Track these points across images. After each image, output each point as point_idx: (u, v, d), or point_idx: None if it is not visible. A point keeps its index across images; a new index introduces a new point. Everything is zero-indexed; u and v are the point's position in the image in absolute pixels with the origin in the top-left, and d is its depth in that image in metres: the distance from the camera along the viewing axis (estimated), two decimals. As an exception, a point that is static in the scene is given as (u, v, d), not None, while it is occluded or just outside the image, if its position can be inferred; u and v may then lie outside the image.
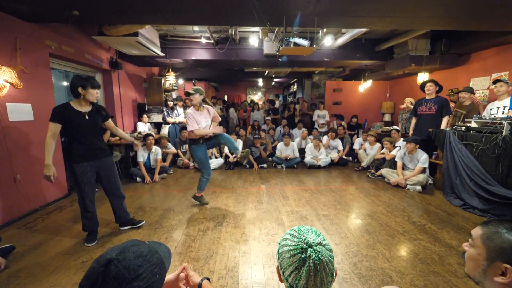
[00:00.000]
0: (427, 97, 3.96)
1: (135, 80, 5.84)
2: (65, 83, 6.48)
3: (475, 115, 3.29)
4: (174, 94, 7.40)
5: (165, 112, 5.48)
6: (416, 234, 2.46)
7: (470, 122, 3.25)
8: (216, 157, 5.31)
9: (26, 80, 2.94)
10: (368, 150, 5.13)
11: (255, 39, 4.71)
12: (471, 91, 3.75)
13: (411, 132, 4.21)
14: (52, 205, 3.23)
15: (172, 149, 5.01)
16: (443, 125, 3.73)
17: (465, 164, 3.13)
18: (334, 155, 5.33)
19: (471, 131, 3.19)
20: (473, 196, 3.03)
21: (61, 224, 2.72)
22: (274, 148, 5.65)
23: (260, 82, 10.42)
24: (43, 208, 3.12)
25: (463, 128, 3.28)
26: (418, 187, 3.67)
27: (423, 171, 3.74)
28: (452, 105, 4.15)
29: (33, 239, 2.41)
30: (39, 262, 2.07)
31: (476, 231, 0.85)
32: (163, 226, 2.64)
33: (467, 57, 4.65)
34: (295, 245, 0.79)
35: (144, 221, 2.67)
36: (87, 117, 2.15)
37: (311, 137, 5.77)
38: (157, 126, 6.00)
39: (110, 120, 2.40)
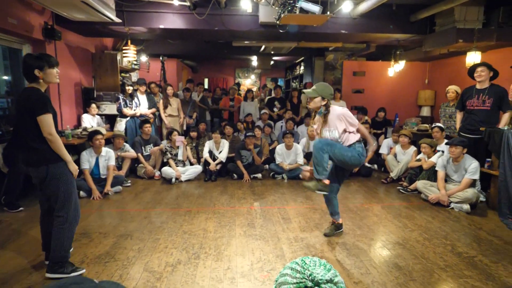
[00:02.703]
0: (477, 86, 4.05)
1: (80, 55, 5.79)
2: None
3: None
4: (135, 76, 7.36)
5: (121, 100, 5.44)
6: (462, 269, 2.50)
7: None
8: (192, 164, 5.30)
9: None
10: (399, 155, 5.21)
11: (248, 1, 4.72)
12: None
13: (458, 126, 4.29)
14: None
15: (130, 152, 4.98)
16: (503, 123, 3.82)
17: (528, 176, 3.21)
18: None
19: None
20: (538, 218, 3.11)
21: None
22: (272, 151, 5.68)
23: (254, 61, 10.46)
24: None
25: (525, 127, 3.37)
26: (466, 206, 3.74)
27: (472, 184, 3.82)
28: None
29: None
30: None
31: None
32: (117, 259, 2.62)
33: (533, 31, 4.78)
34: (297, 283, 0.80)
35: (84, 269, 2.45)
36: None
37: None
38: (110, 119, 5.95)
39: None
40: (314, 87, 2.79)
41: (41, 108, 2.19)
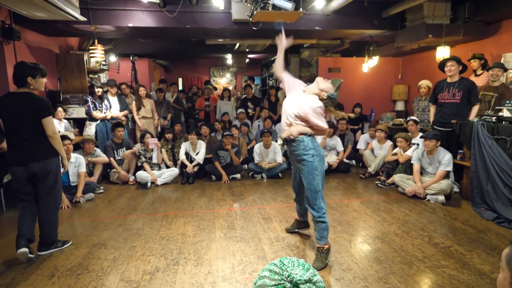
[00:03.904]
0: (448, 80, 4.23)
1: (42, 56, 5.55)
2: None
3: (508, 101, 3.57)
4: (104, 77, 7.14)
5: (90, 103, 5.26)
6: (439, 259, 2.61)
7: (502, 110, 3.53)
8: (168, 166, 5.21)
9: None
10: (376, 150, 5.35)
11: (220, -2, 4.70)
12: (503, 67, 4.08)
13: (431, 119, 4.47)
14: None
15: (102, 156, 4.83)
16: (472, 116, 4.01)
17: (498, 165, 3.38)
18: (332, 159, 5.48)
19: (503, 122, 3.46)
20: (508, 206, 3.28)
21: None
22: (250, 151, 5.67)
23: (229, 59, 10.42)
24: None
25: (493, 119, 3.55)
26: (441, 197, 3.90)
27: (446, 175, 3.98)
28: (479, 84, 4.48)
29: None
30: None
31: (504, 252, 0.92)
32: (90, 270, 2.54)
33: (497, 25, 5.05)
34: (276, 284, 0.80)
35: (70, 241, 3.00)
36: None
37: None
38: (79, 123, 5.74)
39: None
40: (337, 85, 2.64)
41: (48, 110, 2.62)
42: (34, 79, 2.59)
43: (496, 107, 3.98)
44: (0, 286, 2.34)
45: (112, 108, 5.52)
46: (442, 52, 5.15)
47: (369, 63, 7.08)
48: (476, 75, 4.76)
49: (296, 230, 3.16)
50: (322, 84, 2.59)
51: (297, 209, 3.11)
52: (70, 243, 2.97)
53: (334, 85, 2.61)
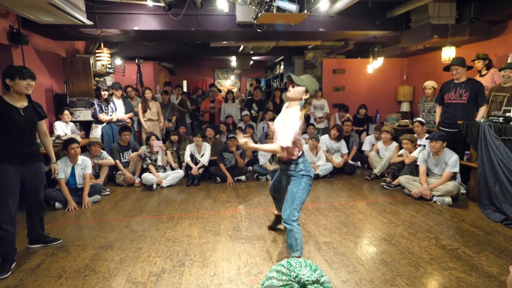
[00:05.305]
0: (455, 80, 4.21)
1: (50, 59, 5.62)
2: None
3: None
4: (110, 80, 7.21)
5: (96, 106, 5.31)
6: (446, 261, 2.58)
7: (509, 110, 3.50)
8: (173, 168, 5.23)
9: None
10: (382, 151, 5.33)
11: (224, 1, 4.71)
12: None
13: (437, 120, 4.44)
14: None
15: (108, 159, 4.87)
16: (479, 116, 3.98)
17: (505, 166, 3.35)
18: (337, 160, 5.46)
19: (510, 123, 3.43)
20: (516, 207, 3.25)
21: None
22: (255, 152, 5.67)
23: (233, 61, 10.46)
24: None
25: (500, 119, 3.52)
26: (448, 199, 3.87)
27: (453, 177, 3.95)
28: (485, 84, 4.45)
29: None
30: None
31: None
32: (97, 271, 2.55)
33: (503, 25, 5.01)
34: (283, 285, 0.80)
35: (60, 240, 3.06)
36: (22, 113, 2.59)
37: (305, 136, 5.88)
38: (85, 126, 5.80)
39: (43, 121, 2.88)
40: (302, 76, 2.48)
41: None
42: (12, 81, 2.54)
43: (504, 108, 3.94)
44: (8, 287, 2.37)
45: (118, 110, 5.57)
46: (448, 53, 5.12)
47: (374, 64, 7.06)
48: (481, 76, 4.73)
49: (278, 227, 3.24)
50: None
51: (276, 204, 3.16)
52: (7, 274, 2.51)
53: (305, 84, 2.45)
